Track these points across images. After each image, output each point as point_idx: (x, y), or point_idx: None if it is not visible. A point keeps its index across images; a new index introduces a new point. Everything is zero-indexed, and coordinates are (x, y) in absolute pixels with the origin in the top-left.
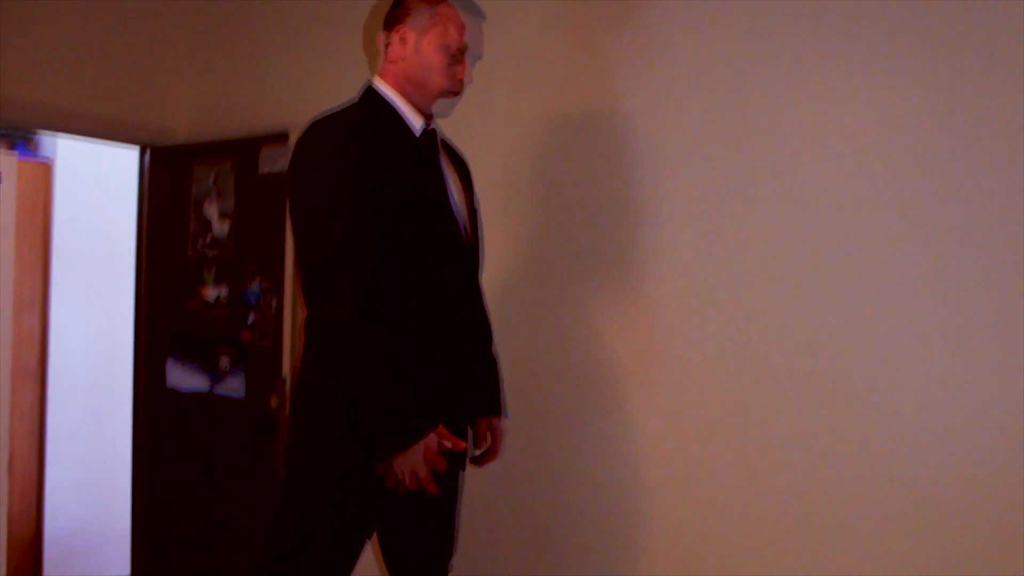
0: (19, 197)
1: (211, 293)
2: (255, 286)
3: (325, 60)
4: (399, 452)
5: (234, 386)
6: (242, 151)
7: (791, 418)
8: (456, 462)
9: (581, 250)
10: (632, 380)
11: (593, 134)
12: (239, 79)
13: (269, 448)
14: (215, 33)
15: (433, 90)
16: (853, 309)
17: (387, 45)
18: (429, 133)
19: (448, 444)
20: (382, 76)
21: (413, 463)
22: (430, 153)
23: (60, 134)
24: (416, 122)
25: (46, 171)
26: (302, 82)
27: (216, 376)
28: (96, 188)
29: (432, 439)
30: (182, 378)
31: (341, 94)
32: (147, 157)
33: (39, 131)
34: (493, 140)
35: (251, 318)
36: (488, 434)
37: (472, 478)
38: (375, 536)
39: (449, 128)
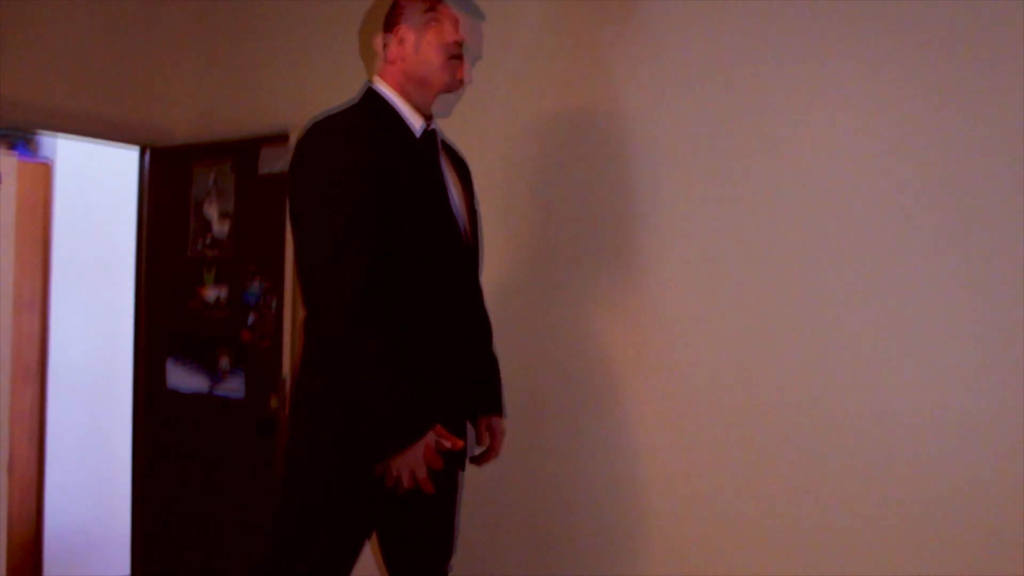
0: (19, 197)
1: (211, 293)
2: (255, 286)
3: (325, 61)
4: (398, 452)
5: (234, 386)
6: (242, 152)
7: (790, 418)
8: (456, 462)
9: (580, 250)
10: (631, 380)
11: (592, 134)
12: (239, 80)
13: (269, 448)
14: (215, 34)
15: (434, 88)
16: (853, 310)
17: (386, 46)
18: (429, 133)
19: (447, 444)
20: (382, 77)
21: (412, 463)
22: (430, 154)
23: (60, 134)
24: (416, 123)
25: (46, 171)
26: (302, 83)
27: (216, 376)
28: (96, 188)
29: (431, 439)
30: (182, 378)
31: (341, 95)
32: (147, 157)
33: (39, 131)
34: (492, 140)
35: (251, 318)
36: (487, 433)
37: (471, 478)
38: (375, 536)
39: (448, 128)
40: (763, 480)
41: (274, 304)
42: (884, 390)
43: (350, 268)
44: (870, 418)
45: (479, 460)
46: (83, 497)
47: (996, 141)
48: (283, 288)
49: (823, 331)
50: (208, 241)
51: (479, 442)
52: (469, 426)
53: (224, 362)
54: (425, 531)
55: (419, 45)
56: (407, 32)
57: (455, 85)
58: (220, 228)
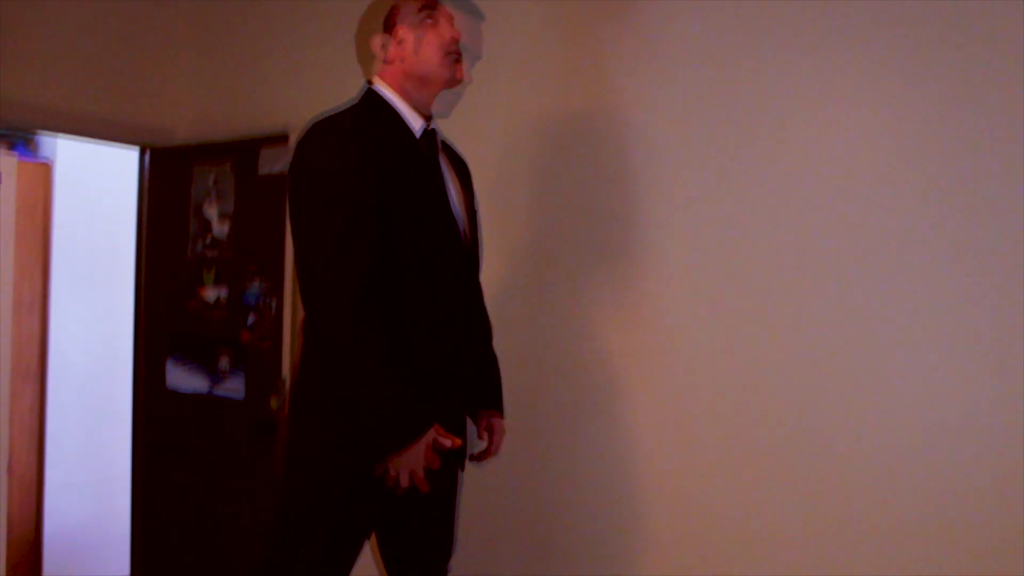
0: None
1: (211, 294)
2: (255, 287)
3: (325, 61)
4: (398, 451)
5: (234, 387)
6: (242, 152)
7: (790, 418)
8: (455, 461)
9: (579, 250)
10: (630, 380)
11: (591, 133)
12: (239, 80)
13: (269, 449)
14: (215, 34)
15: (435, 86)
16: (853, 308)
17: (384, 47)
18: (429, 133)
19: (447, 443)
20: (381, 77)
21: (411, 462)
22: (429, 154)
23: (60, 135)
24: (416, 123)
25: (46, 172)
26: (302, 83)
27: (216, 377)
28: (96, 189)
29: (430, 438)
30: (182, 379)
31: (341, 95)
32: (147, 158)
33: (39, 132)
34: (491, 140)
35: (251, 319)
36: (487, 431)
37: (471, 478)
38: (374, 536)
39: (448, 128)
40: (763, 480)
41: (274, 304)
42: (884, 390)
43: (350, 268)
44: (870, 418)
45: (479, 458)
46: (83, 497)
47: (997, 139)
48: (283, 288)
49: (822, 330)
50: (208, 241)
51: (479, 438)
52: (469, 423)
53: (224, 362)
54: (425, 531)
55: (418, 45)
56: (406, 33)
57: (455, 82)
58: (220, 228)
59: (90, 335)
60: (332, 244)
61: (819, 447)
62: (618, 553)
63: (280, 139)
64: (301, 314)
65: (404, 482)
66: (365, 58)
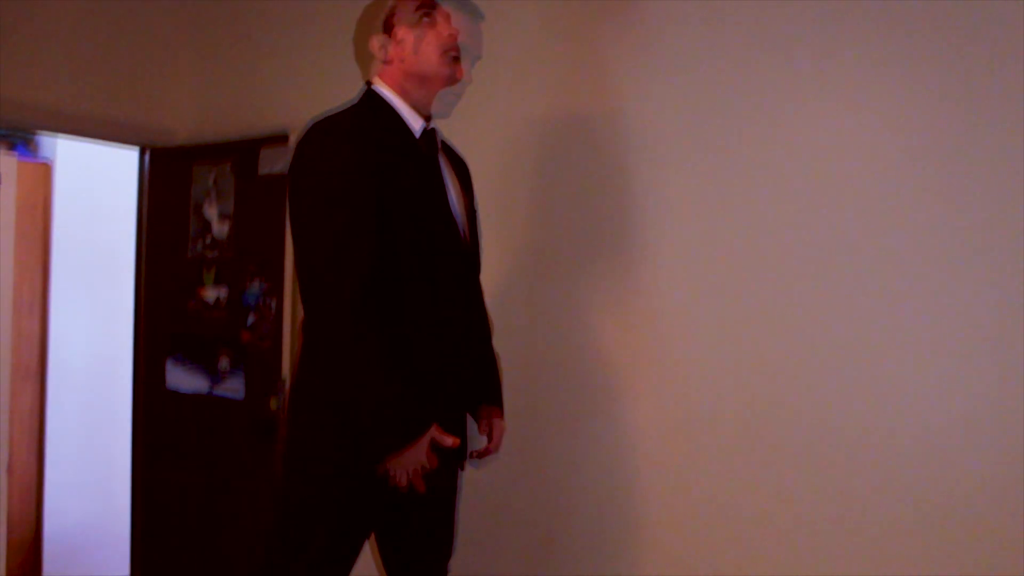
0: (19, 198)
1: (211, 294)
2: (255, 287)
3: (324, 61)
4: (397, 451)
5: (234, 387)
6: (242, 152)
7: (789, 418)
8: (455, 460)
9: (578, 249)
10: (630, 380)
11: (591, 133)
12: (239, 80)
13: (269, 449)
14: (215, 35)
15: (435, 85)
16: (852, 309)
17: (383, 47)
18: (428, 133)
19: (448, 441)
20: (381, 77)
21: (410, 462)
22: (429, 154)
23: (60, 135)
24: (415, 123)
25: (46, 172)
26: (301, 83)
27: (216, 377)
28: (96, 189)
29: (429, 438)
30: (182, 379)
31: (340, 95)
32: (147, 158)
33: (39, 132)
34: (490, 139)
35: (250, 319)
36: (487, 427)
37: (471, 478)
38: (374, 536)
39: (447, 128)
40: (762, 480)
41: (273, 305)
42: (884, 390)
43: (349, 269)
44: (870, 418)
45: (480, 455)
46: (83, 497)
47: (997, 139)
48: (283, 289)
49: (822, 330)
50: (208, 242)
51: (480, 433)
52: (469, 420)
53: (224, 363)
54: (424, 531)
55: (418, 45)
56: (406, 33)
57: (454, 80)
58: (220, 229)
59: (90, 335)
60: (332, 244)
61: (819, 446)
62: (618, 553)
63: (280, 139)
64: (301, 314)
65: (402, 482)
66: (363, 59)
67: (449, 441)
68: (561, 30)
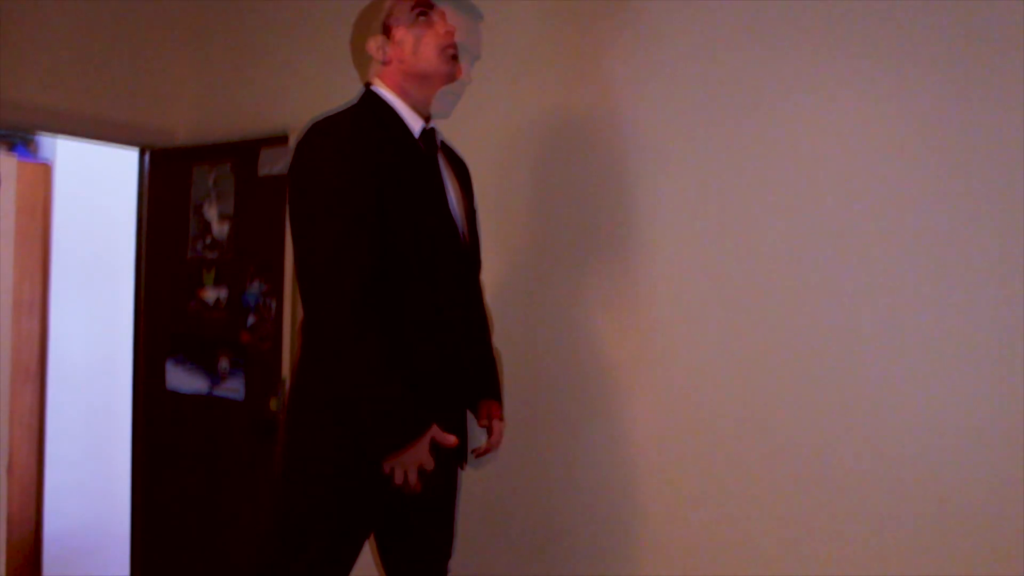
0: (19, 198)
1: (211, 295)
2: (254, 288)
3: (324, 62)
4: (397, 451)
5: (234, 387)
6: (241, 153)
7: (790, 418)
8: (456, 460)
9: (577, 251)
10: (630, 379)
11: (590, 132)
12: (239, 81)
13: (269, 450)
14: (214, 35)
15: (435, 83)
16: (850, 309)
17: (381, 48)
18: (428, 134)
19: (448, 441)
20: (380, 78)
21: (410, 462)
22: (428, 154)
23: (60, 136)
24: (415, 123)
25: (46, 172)
26: (301, 84)
27: (216, 378)
28: (96, 190)
29: (428, 438)
30: (182, 379)
31: (340, 95)
32: (147, 159)
33: (39, 132)
34: (489, 140)
35: (250, 320)
36: (487, 420)
37: (471, 478)
38: (373, 536)
39: (446, 128)
40: (762, 480)
41: (273, 305)
42: (884, 391)
43: (349, 269)
44: (870, 418)
45: (481, 453)
46: (83, 498)
47: (997, 143)
48: (283, 290)
49: (822, 329)
50: (208, 242)
51: (479, 425)
52: (469, 420)
53: (224, 363)
54: (424, 531)
55: (417, 45)
56: (404, 34)
57: (453, 77)
58: (220, 229)
59: (90, 336)
60: (332, 245)
61: (819, 446)
62: (618, 553)
63: (280, 140)
64: (300, 315)
65: (399, 481)
66: (361, 62)
67: (449, 440)
68: (559, 29)
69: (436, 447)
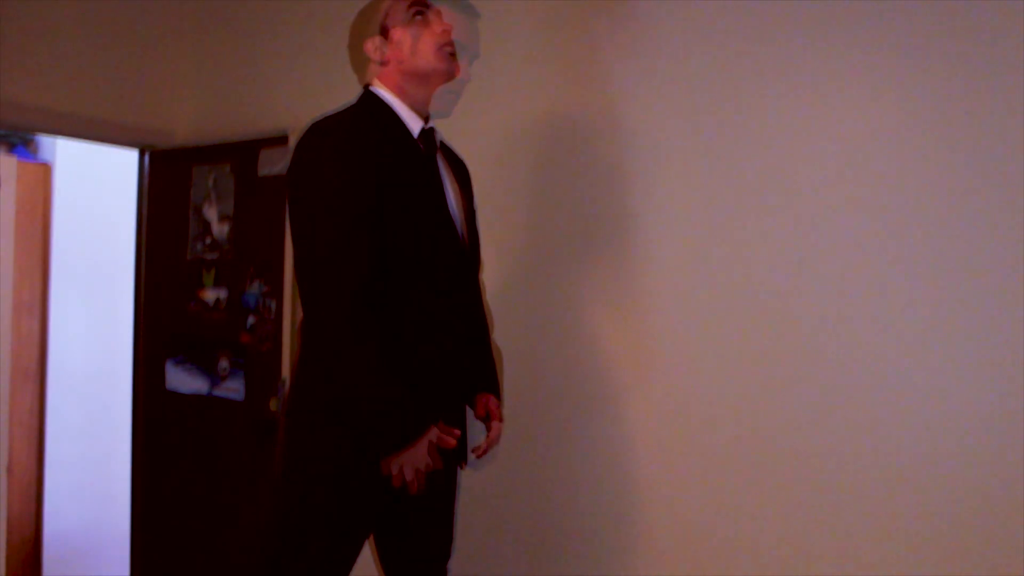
0: (18, 199)
1: (210, 295)
2: (254, 288)
3: (324, 62)
4: (397, 452)
5: (234, 387)
6: (241, 153)
7: (790, 417)
8: (455, 459)
9: (577, 248)
10: (629, 379)
11: (589, 132)
12: (238, 82)
13: (269, 450)
14: (214, 36)
15: (434, 81)
16: (848, 309)
17: (379, 49)
18: (427, 134)
19: (449, 441)
20: (380, 79)
21: (409, 463)
22: (427, 155)
23: (60, 136)
24: (414, 124)
25: (46, 173)
26: (301, 85)
27: (216, 378)
28: (96, 190)
29: (428, 438)
30: (182, 380)
31: (340, 96)
32: (146, 159)
33: (39, 133)
34: (488, 140)
35: (250, 320)
36: (484, 411)
37: (470, 478)
38: (373, 536)
39: (445, 128)
40: (762, 480)
41: (273, 306)
42: (883, 389)
43: (348, 269)
44: (870, 418)
45: (483, 450)
46: (82, 499)
47: (994, 144)
48: (282, 290)
49: (821, 329)
50: (207, 243)
51: (476, 414)
52: (469, 417)
53: (224, 364)
54: (424, 531)
55: (415, 44)
56: (402, 34)
57: (452, 75)
58: (219, 230)
59: (90, 336)
60: (331, 246)
61: (819, 446)
62: (618, 553)
63: (279, 140)
64: (300, 315)
65: (397, 482)
66: (359, 65)
67: (448, 442)
68: (557, 29)
69: (437, 447)
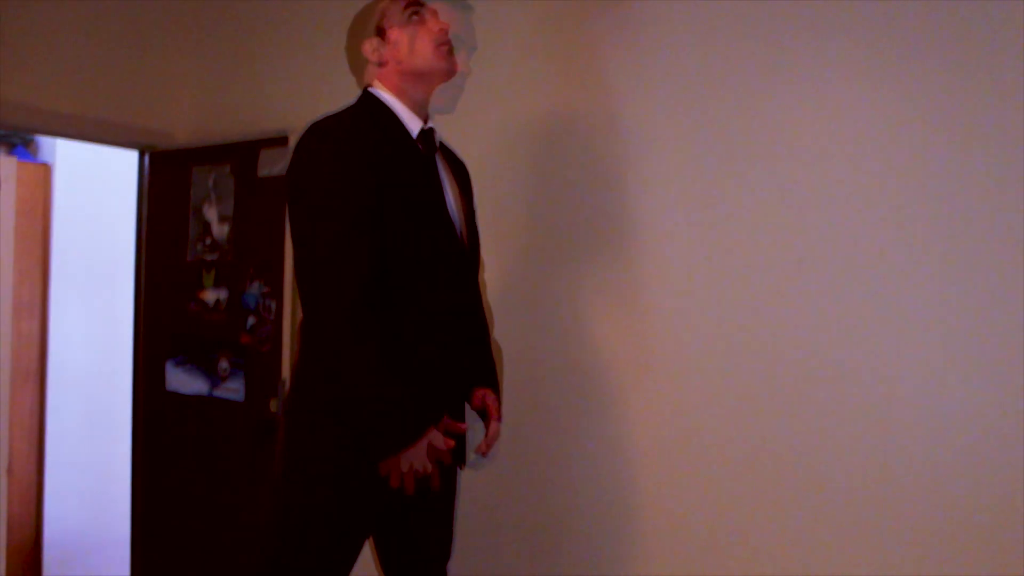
0: (18, 200)
1: (210, 296)
2: (254, 289)
3: (324, 63)
4: (397, 452)
5: (234, 388)
6: (241, 154)
7: (787, 417)
8: (455, 460)
9: (576, 248)
10: (629, 380)
11: (588, 132)
12: (238, 83)
13: (269, 451)
14: (214, 37)
15: (434, 79)
16: (848, 309)
17: (376, 51)
18: (426, 134)
19: (448, 443)
20: (379, 80)
21: (408, 464)
22: (427, 155)
23: (60, 137)
24: (413, 124)
25: (46, 174)
26: (301, 85)
27: (216, 379)
28: (96, 191)
29: (427, 440)
30: (182, 381)
31: (340, 97)
32: (146, 160)
33: (39, 134)
34: (487, 139)
35: (250, 321)
36: (481, 403)
37: (470, 478)
38: (373, 537)
39: (443, 128)
40: (762, 479)
41: (273, 307)
42: (884, 390)
43: (348, 270)
44: (870, 418)
45: (480, 450)
46: (82, 500)
47: (994, 143)
48: (282, 291)
49: (820, 330)
50: (207, 244)
51: (473, 405)
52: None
53: (224, 364)
54: (423, 531)
55: (413, 44)
56: (399, 34)
57: (452, 73)
58: (219, 231)
59: (90, 337)
60: (331, 246)
61: (819, 447)
62: (618, 553)
63: (279, 141)
64: (300, 316)
65: (396, 483)
66: (357, 68)
67: (447, 443)
68: (556, 29)
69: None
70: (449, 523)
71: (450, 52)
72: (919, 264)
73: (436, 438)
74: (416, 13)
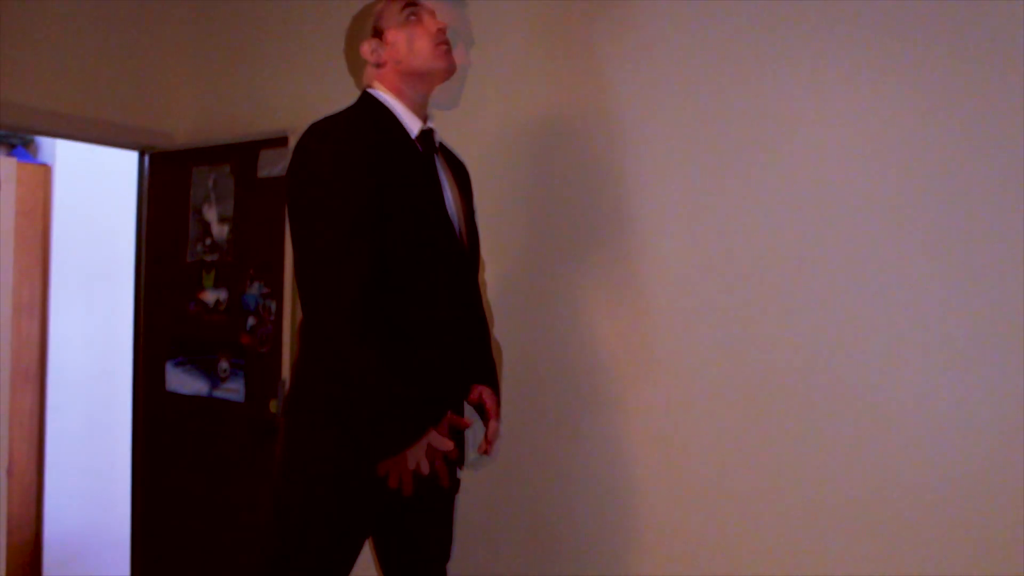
0: (18, 200)
1: (210, 297)
2: (254, 290)
3: (324, 64)
4: (395, 454)
5: (234, 388)
6: (241, 154)
7: (787, 416)
8: (455, 461)
9: (576, 250)
10: (628, 379)
11: (587, 132)
12: (238, 83)
13: (269, 451)
14: (214, 38)
15: (434, 78)
16: (848, 308)
17: (375, 52)
18: (426, 135)
19: (448, 444)
20: (378, 80)
21: (408, 464)
22: (426, 155)
23: (59, 138)
24: (413, 124)
25: (45, 174)
26: (301, 86)
27: (216, 379)
28: (95, 192)
29: (427, 441)
30: (182, 381)
31: (340, 98)
32: (146, 161)
33: (38, 134)
34: (486, 140)
35: (250, 322)
36: (478, 397)
37: (470, 478)
38: (371, 538)
39: (443, 128)
40: (762, 479)
41: (273, 307)
42: (882, 387)
43: (348, 271)
44: (869, 419)
45: (487, 445)
46: (82, 501)
47: (995, 142)
48: (282, 291)
49: (819, 330)
50: (207, 244)
51: (469, 399)
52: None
53: (224, 365)
54: (423, 532)
55: (411, 44)
56: (396, 35)
57: (451, 71)
58: (219, 231)
59: (90, 338)
60: (331, 247)
61: (819, 445)
62: (618, 553)
63: (279, 141)
64: (300, 316)
65: (394, 484)
66: (356, 70)
67: (447, 445)
68: (556, 29)
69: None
70: (449, 523)
71: (448, 50)
72: (921, 263)
73: (436, 439)
74: (413, 13)
